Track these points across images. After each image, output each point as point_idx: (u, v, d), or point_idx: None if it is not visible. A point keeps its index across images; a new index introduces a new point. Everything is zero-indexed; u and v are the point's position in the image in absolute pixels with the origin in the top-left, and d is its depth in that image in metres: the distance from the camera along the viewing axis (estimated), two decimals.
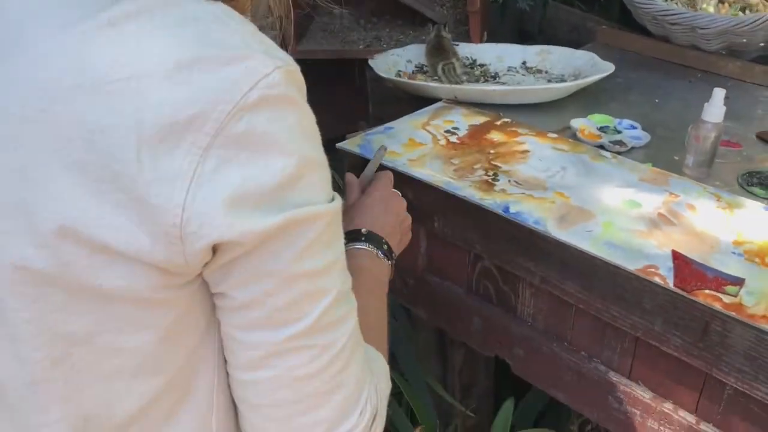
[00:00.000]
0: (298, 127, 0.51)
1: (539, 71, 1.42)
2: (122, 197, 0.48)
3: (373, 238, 0.84)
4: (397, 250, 0.88)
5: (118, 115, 0.47)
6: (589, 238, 0.89)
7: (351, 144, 1.11)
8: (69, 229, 0.48)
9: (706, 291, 0.79)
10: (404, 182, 1.10)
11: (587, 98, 1.31)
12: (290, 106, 0.51)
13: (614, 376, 0.99)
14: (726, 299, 0.78)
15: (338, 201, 0.56)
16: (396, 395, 1.34)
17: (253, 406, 0.57)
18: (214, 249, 0.50)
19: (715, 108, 1.01)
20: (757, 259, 0.85)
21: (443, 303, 1.20)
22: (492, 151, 1.09)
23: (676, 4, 1.42)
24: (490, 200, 0.96)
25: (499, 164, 1.06)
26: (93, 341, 0.52)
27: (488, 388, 1.45)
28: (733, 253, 0.86)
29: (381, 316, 0.77)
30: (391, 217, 0.89)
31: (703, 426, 0.91)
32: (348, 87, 1.81)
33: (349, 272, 0.70)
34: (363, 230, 0.84)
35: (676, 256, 0.85)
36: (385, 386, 0.66)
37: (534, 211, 0.94)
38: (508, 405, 1.20)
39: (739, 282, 0.81)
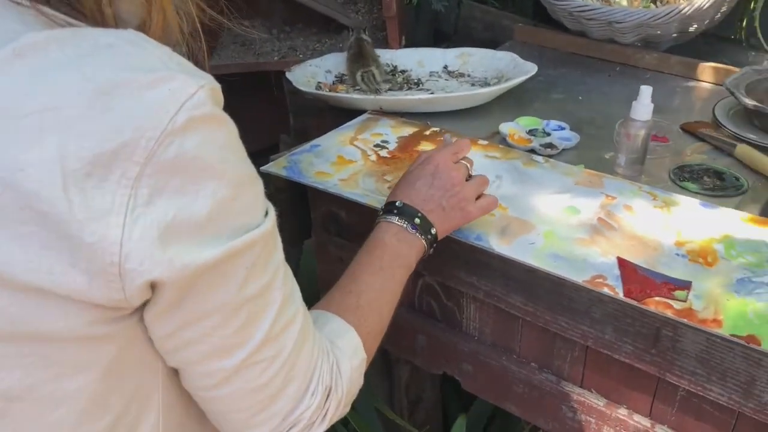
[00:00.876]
0: (227, 146, 0.50)
1: (462, 75, 1.40)
2: (51, 237, 0.44)
3: (406, 212, 0.82)
4: (441, 225, 0.84)
5: (37, 150, 0.43)
6: (532, 251, 0.86)
7: (277, 167, 1.05)
8: None
9: (656, 298, 0.78)
10: (338, 202, 1.06)
11: (512, 100, 1.29)
12: (218, 125, 0.49)
13: (566, 386, 0.98)
14: (676, 305, 0.77)
15: (272, 214, 0.56)
16: (342, 420, 1.29)
17: (214, 413, 0.60)
18: (153, 287, 0.49)
19: (643, 106, 1.01)
20: (700, 259, 0.84)
21: None
22: None
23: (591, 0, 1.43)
24: None
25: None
26: (32, 394, 0.50)
27: (436, 402, 1.42)
28: (677, 254, 0.85)
29: (387, 293, 0.77)
30: (437, 190, 0.84)
31: (658, 429, 0.90)
32: (265, 100, 1.74)
33: (370, 246, 0.80)
34: (398, 202, 0.83)
35: (622, 264, 0.83)
36: (351, 361, 0.68)
37: (474, 227, 0.91)
38: (460, 423, 1.17)
39: (686, 286, 0.80)
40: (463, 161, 0.88)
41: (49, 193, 0.43)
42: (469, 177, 0.88)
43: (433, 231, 0.83)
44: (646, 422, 0.91)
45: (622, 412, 0.93)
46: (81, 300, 0.47)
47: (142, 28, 0.54)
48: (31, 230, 0.44)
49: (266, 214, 0.55)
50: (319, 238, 1.14)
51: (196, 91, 0.47)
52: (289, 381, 0.59)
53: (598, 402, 0.95)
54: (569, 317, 0.89)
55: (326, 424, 0.64)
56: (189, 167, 0.46)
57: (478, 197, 0.87)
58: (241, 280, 0.52)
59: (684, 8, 1.30)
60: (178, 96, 0.46)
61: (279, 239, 0.58)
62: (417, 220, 0.82)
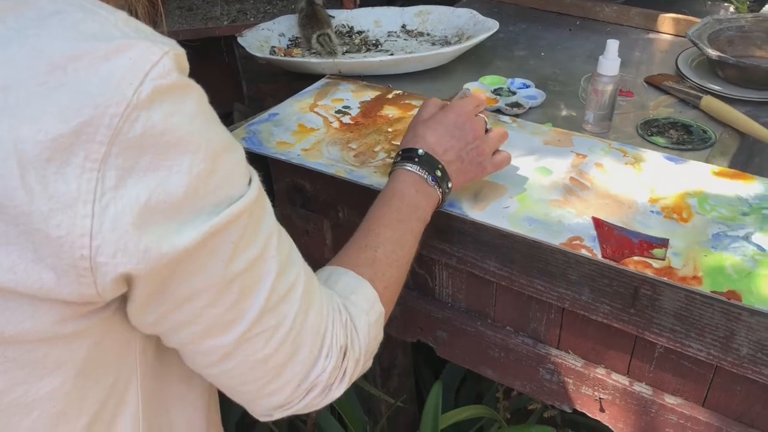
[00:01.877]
0: (199, 115, 0.45)
1: (421, 34, 1.36)
2: (11, 232, 0.40)
3: (427, 162, 0.78)
4: (456, 178, 0.81)
5: None
6: (507, 216, 0.84)
7: (235, 137, 1.00)
8: None
9: (635, 258, 0.77)
10: (301, 173, 1.02)
11: (473, 58, 1.26)
12: (186, 92, 0.45)
13: (543, 348, 0.97)
14: (655, 264, 0.76)
15: (256, 180, 0.52)
16: None
17: (224, 387, 0.58)
18: (129, 280, 0.44)
19: (610, 61, 0.98)
20: (675, 215, 0.83)
21: None
22: (390, 129, 1.02)
23: None
24: None
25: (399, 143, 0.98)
26: (2, 400, 0.46)
27: (408, 369, 1.41)
28: (652, 211, 0.84)
29: (405, 246, 0.73)
30: (458, 141, 0.80)
31: (636, 386, 0.90)
32: (215, 66, 1.67)
33: (387, 196, 0.75)
34: (420, 150, 0.78)
35: (598, 224, 0.82)
36: (368, 315, 0.65)
37: None
38: (437, 389, 1.16)
39: (664, 244, 0.79)
40: (481, 114, 0.85)
41: (5, 185, 0.39)
42: (486, 131, 0.84)
43: (449, 184, 0.80)
44: (624, 380, 0.91)
45: (600, 372, 0.93)
46: (48, 298, 0.43)
47: None
48: None
49: (250, 181, 0.51)
50: (283, 210, 1.10)
51: (160, 59, 0.42)
52: (297, 347, 0.56)
53: (575, 363, 0.95)
54: (545, 280, 0.87)
55: (346, 384, 0.62)
56: (159, 142, 0.42)
57: (494, 153, 0.85)
58: (227, 257, 0.48)
59: None
60: (141, 65, 0.41)
61: (268, 204, 0.54)
62: (438, 172, 0.78)
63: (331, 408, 1.24)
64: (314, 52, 1.27)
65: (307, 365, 0.58)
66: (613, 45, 0.98)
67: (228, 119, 1.80)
